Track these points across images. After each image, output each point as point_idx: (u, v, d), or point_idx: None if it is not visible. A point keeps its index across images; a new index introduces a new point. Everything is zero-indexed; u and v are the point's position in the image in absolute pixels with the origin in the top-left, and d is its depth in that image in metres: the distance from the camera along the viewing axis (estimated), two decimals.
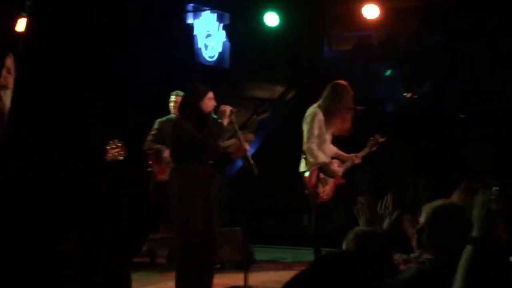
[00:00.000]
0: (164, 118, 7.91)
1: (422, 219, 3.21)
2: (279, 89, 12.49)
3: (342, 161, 7.26)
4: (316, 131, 7.02)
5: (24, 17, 2.82)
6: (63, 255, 2.28)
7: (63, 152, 2.45)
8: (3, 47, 2.59)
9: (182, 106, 5.81)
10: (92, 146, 2.64)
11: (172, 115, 7.78)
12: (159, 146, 7.72)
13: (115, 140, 6.83)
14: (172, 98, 7.90)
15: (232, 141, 6.24)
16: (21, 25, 2.73)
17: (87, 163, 2.53)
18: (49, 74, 2.58)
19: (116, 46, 2.89)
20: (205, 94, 5.75)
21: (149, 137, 7.92)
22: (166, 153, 7.52)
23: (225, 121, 5.81)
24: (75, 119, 2.53)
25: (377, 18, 9.98)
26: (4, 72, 4.04)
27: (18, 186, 2.36)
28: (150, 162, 7.95)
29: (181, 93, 7.75)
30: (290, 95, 12.39)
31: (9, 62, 3.72)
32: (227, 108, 5.85)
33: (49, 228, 2.31)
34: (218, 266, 7.39)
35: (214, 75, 10.99)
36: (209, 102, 5.77)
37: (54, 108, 2.46)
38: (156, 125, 7.90)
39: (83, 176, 2.48)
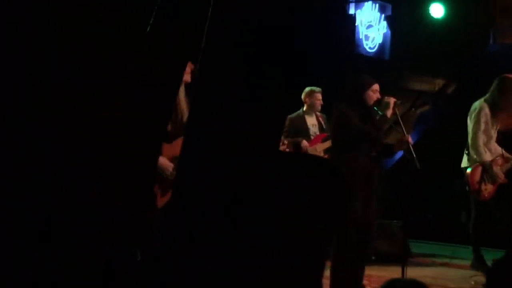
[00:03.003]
0: (294, 115, 7.88)
1: None
2: (439, 82, 12.20)
3: (506, 159, 6.99)
4: (482, 126, 6.82)
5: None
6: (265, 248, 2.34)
7: (243, 149, 2.52)
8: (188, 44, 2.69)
9: (347, 96, 5.81)
10: (271, 143, 2.70)
11: (302, 111, 7.86)
12: (293, 139, 7.66)
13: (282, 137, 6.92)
14: (319, 96, 7.86)
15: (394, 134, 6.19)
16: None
17: (265, 161, 2.59)
18: (228, 71, 2.66)
19: (285, 38, 2.93)
20: (370, 85, 5.73)
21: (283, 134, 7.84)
22: (304, 143, 7.60)
23: (389, 113, 5.76)
24: (256, 115, 2.60)
25: None
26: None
27: (202, 183, 2.45)
28: None
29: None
30: (451, 89, 12.08)
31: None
32: (391, 100, 5.79)
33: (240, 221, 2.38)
34: (373, 258, 7.37)
35: (374, 66, 10.90)
36: (373, 94, 5.74)
37: (236, 104, 2.54)
38: (287, 122, 7.71)
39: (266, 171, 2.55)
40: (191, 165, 2.55)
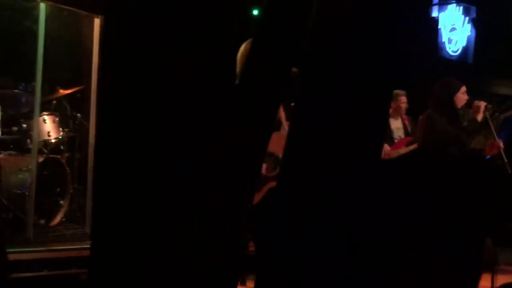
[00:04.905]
0: None
1: None
2: None
3: None
4: None
5: None
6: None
7: (346, 148, 2.53)
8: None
9: (435, 100, 5.72)
10: (373, 144, 2.70)
11: None
12: None
13: None
14: (404, 99, 7.66)
15: (480, 138, 6.06)
16: None
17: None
18: (329, 73, 2.67)
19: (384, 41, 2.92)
20: (459, 88, 5.65)
21: None
22: (386, 147, 7.27)
23: (479, 117, 5.65)
24: (358, 115, 2.61)
25: None
26: None
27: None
28: None
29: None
30: None
31: None
32: (482, 104, 5.67)
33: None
34: None
35: (457, 69, 10.72)
36: (462, 96, 5.65)
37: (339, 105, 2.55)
38: None
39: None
40: (295, 162, 2.57)
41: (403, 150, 7.55)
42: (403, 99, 7.61)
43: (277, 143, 3.62)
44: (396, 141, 7.51)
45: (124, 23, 2.12)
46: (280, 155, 5.05)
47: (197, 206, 2.10)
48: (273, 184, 4.55)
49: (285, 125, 4.99)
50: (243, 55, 3.66)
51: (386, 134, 7.54)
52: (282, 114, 4.89)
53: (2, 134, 6.14)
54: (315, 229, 2.45)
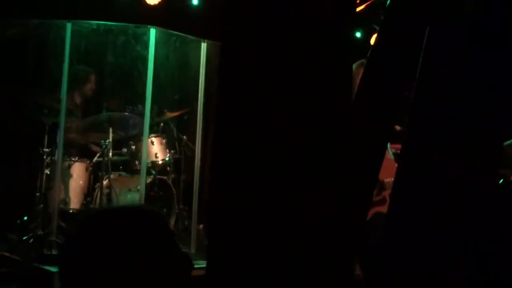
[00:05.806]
0: (508, 142, 7.29)
1: None
2: None
3: None
4: None
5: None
6: None
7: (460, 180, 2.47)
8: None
9: None
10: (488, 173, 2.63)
11: None
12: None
13: None
14: None
15: None
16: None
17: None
18: (442, 101, 2.63)
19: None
20: None
21: None
22: None
23: None
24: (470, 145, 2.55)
25: None
26: None
27: None
28: None
29: None
30: None
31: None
32: None
33: None
34: None
35: None
36: None
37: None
38: None
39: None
40: (408, 187, 2.54)
41: None
42: None
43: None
44: None
45: (242, 50, 2.15)
46: (384, 180, 4.99)
47: (315, 234, 2.09)
48: (378, 209, 4.49)
49: (388, 149, 4.93)
50: (354, 77, 3.66)
51: None
52: None
53: (112, 155, 6.33)
54: (430, 256, 2.40)
